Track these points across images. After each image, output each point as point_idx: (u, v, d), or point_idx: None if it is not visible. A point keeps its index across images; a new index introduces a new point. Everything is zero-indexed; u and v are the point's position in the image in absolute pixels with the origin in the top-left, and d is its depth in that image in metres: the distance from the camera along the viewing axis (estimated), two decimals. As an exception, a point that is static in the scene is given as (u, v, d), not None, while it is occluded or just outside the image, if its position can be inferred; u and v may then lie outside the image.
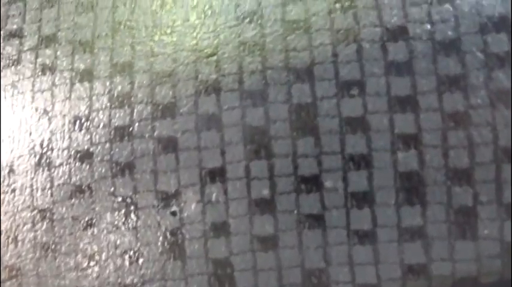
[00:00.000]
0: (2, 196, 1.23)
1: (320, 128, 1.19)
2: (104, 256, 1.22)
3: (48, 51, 1.31)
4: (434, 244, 1.16)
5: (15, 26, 1.35)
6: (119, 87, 1.26)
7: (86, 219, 1.24)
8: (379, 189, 1.17)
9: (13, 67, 1.31)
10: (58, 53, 1.33)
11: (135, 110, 1.24)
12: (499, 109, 1.15)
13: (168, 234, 1.20)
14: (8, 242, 1.24)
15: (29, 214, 1.24)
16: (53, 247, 1.22)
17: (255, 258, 1.18)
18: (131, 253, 1.21)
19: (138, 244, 1.21)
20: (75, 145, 1.26)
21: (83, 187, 1.24)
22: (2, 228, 1.23)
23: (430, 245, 1.16)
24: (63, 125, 1.27)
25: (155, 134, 1.23)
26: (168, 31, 1.29)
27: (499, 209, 1.16)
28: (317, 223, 1.18)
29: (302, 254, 1.18)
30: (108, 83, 1.26)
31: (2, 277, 1.23)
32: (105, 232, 1.22)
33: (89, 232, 1.23)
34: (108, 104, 1.26)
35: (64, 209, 1.25)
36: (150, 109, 1.23)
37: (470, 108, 1.16)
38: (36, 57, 1.31)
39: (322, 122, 1.19)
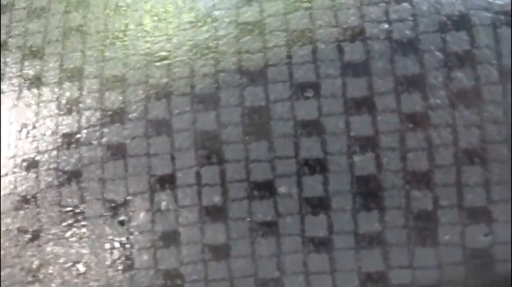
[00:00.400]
0: None
1: (273, 132, 1.15)
2: (50, 269, 1.17)
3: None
4: (393, 251, 1.12)
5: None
6: (68, 94, 1.22)
7: (31, 230, 1.20)
8: (335, 194, 1.13)
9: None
10: (7, 59, 1.29)
11: (83, 117, 1.20)
12: (459, 110, 1.11)
13: (116, 244, 1.16)
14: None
15: (-26, 226, 1.20)
16: (-2, 259, 1.19)
17: (206, 268, 1.14)
18: (78, 265, 1.17)
19: (86, 256, 1.17)
20: (21, 153, 1.22)
21: (28, 197, 1.20)
22: None
23: (388, 252, 1.12)
24: (10, 133, 1.23)
25: (103, 140, 1.19)
26: (121, 35, 1.26)
27: (460, 213, 1.11)
28: (271, 230, 1.14)
29: (255, 263, 1.13)
30: (56, 90, 1.23)
31: None
32: (51, 243, 1.18)
33: (35, 244, 1.19)
34: (56, 111, 1.23)
35: (9, 220, 1.21)
36: (98, 115, 1.20)
37: (429, 109, 1.12)
38: (-15, 64, 1.28)
39: (275, 125, 1.15)
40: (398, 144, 1.16)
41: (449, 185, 1.15)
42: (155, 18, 1.29)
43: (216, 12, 1.25)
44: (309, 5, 1.22)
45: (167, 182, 1.20)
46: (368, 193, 1.16)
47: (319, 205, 1.16)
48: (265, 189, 1.18)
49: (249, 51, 1.22)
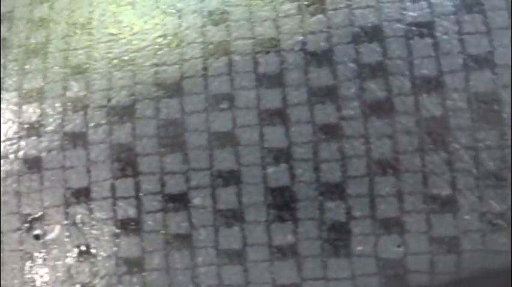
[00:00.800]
0: None
1: (188, 144, 1.15)
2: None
3: None
4: (306, 263, 1.12)
5: None
6: (-14, 107, 1.23)
7: None
8: (248, 206, 1.14)
9: None
10: None
11: (1, 130, 1.20)
12: (371, 120, 1.12)
13: (31, 259, 1.16)
14: None
15: None
16: None
17: (120, 281, 1.14)
18: (-8, 278, 1.17)
19: (3, 272, 1.17)
20: None
21: None
22: None
23: (302, 264, 1.12)
24: None
25: (20, 154, 1.19)
26: (42, 48, 1.27)
27: (373, 224, 1.12)
28: (185, 243, 1.14)
29: (170, 276, 1.13)
30: (-25, 103, 1.24)
31: None
32: (-36, 257, 1.18)
33: None
34: (-26, 124, 1.23)
35: None
36: (16, 128, 1.20)
37: (342, 120, 1.13)
38: None
39: (190, 137, 1.15)
40: (311, 155, 1.17)
41: (362, 195, 1.15)
42: (78, 31, 1.30)
43: (136, 26, 1.26)
44: (226, 17, 1.24)
45: (82, 195, 1.20)
46: (282, 204, 1.17)
47: (233, 216, 1.17)
48: (180, 201, 1.18)
49: (166, 64, 1.23)
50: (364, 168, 1.15)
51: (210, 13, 1.23)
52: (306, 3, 1.21)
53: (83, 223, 1.17)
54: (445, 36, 1.15)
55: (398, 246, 1.13)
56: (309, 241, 1.14)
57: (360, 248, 1.13)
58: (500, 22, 1.15)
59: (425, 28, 1.16)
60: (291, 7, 1.21)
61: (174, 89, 1.20)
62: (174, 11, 1.24)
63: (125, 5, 1.26)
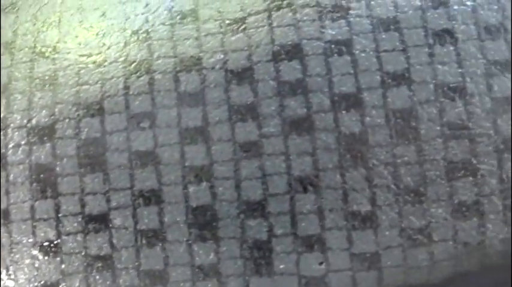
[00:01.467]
0: None
1: (109, 164, 1.15)
2: None
3: None
4: (229, 282, 1.12)
5: None
6: None
7: None
8: (170, 225, 1.14)
9: None
10: None
11: None
12: (292, 138, 1.13)
13: None
14: None
15: None
16: None
17: (38, 305, 1.13)
18: None
19: None
20: None
21: None
22: None
23: (224, 283, 1.12)
24: None
25: None
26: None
27: (295, 241, 1.12)
28: (106, 264, 1.13)
29: (89, 299, 1.12)
30: None
31: None
32: None
33: None
34: None
35: None
36: None
37: (263, 137, 1.14)
38: None
39: (111, 157, 1.15)
40: (232, 173, 1.18)
41: (284, 213, 1.16)
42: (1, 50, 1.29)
43: (57, 45, 1.26)
44: (148, 36, 1.24)
45: (2, 217, 1.19)
46: (203, 223, 1.17)
47: (155, 236, 1.17)
48: (100, 222, 1.17)
49: (88, 83, 1.23)
50: (285, 185, 1.16)
51: (134, 32, 1.24)
52: (227, 21, 1.22)
53: (2, 246, 1.16)
54: (363, 54, 1.18)
55: (320, 263, 1.14)
56: (231, 260, 1.14)
57: (282, 266, 1.13)
58: (416, 40, 1.17)
59: (344, 46, 1.19)
60: (213, 26, 1.22)
61: (95, 109, 1.20)
62: (97, 29, 1.25)
63: (49, 24, 1.26)
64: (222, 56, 1.20)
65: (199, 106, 1.18)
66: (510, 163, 1.10)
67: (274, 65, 1.19)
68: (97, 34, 1.24)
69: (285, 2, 1.23)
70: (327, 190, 1.14)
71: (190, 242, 1.14)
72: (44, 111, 1.20)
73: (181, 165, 1.16)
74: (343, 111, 1.15)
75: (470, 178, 1.12)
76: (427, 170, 1.14)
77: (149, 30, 1.24)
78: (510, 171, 1.11)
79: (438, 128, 1.14)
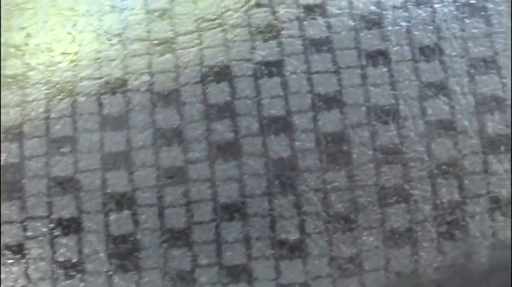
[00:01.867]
0: None
1: (26, 191, 1.09)
2: None
3: None
4: (150, 315, 1.06)
5: None
6: None
7: None
8: (89, 256, 1.08)
9: None
10: None
11: None
12: (218, 163, 1.09)
13: None
14: None
15: None
16: None
17: None
18: None
19: None
20: None
21: None
22: None
23: (145, 317, 1.06)
24: None
25: None
26: None
27: (220, 272, 1.07)
28: (20, 297, 1.07)
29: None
30: None
31: None
32: None
33: None
34: None
35: None
36: None
37: (188, 162, 1.09)
38: None
39: (29, 184, 1.10)
40: (156, 200, 1.12)
41: (208, 242, 1.11)
42: None
43: (-18, 65, 1.22)
44: (74, 57, 1.20)
45: None
46: (125, 253, 1.11)
47: (73, 267, 1.11)
48: (17, 252, 1.12)
49: (8, 106, 1.18)
50: (211, 213, 1.11)
51: (60, 53, 1.19)
52: (156, 42, 1.18)
53: None
54: (293, 76, 1.14)
55: (247, 294, 1.09)
56: (153, 291, 1.09)
57: (205, 298, 1.08)
58: (349, 61, 1.14)
59: (274, 67, 1.15)
60: (140, 46, 1.18)
61: (14, 133, 1.15)
62: (20, 52, 1.20)
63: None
64: (148, 77, 1.15)
65: (123, 130, 1.13)
66: (444, 189, 1.06)
67: (202, 87, 1.14)
68: (18, 56, 1.20)
69: (215, 22, 1.19)
70: (254, 218, 1.10)
71: (110, 273, 1.08)
72: (-39, 135, 1.15)
73: (102, 192, 1.10)
74: (272, 136, 1.10)
75: (403, 204, 1.08)
76: (358, 196, 1.09)
77: (76, 51, 1.19)
78: (444, 197, 1.07)
79: (370, 152, 1.10)
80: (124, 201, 1.02)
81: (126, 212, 1.03)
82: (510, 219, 0.98)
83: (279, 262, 1.04)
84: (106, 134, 1.06)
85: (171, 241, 1.02)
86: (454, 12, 1.01)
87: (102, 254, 1.00)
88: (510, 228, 0.97)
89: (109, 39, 1.14)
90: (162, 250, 1.03)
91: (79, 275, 1.01)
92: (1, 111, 1.02)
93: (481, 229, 0.96)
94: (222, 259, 1.03)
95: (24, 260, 0.99)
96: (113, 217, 1.03)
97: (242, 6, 1.04)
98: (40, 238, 1.00)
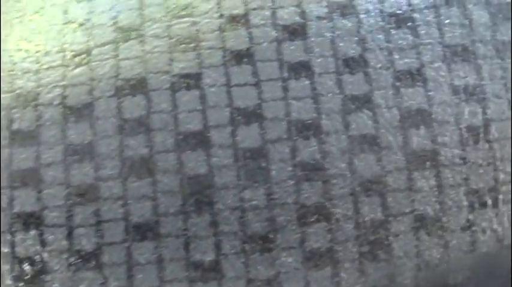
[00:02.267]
0: None
1: None
2: None
3: None
4: None
5: None
6: None
7: None
8: (-7, 279, 1.02)
9: None
10: None
11: None
12: (131, 180, 1.03)
13: None
14: None
15: None
16: None
17: None
18: None
19: None
20: None
21: None
22: None
23: None
24: None
25: None
26: None
27: (132, 295, 1.02)
28: None
29: None
30: None
31: None
32: None
33: None
34: None
35: None
36: None
37: (99, 180, 1.04)
38: None
39: None
40: (64, 220, 1.07)
41: (119, 264, 1.06)
42: None
43: None
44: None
45: None
46: (32, 276, 1.06)
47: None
48: None
49: None
50: (122, 233, 1.06)
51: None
52: (72, 53, 1.13)
53: None
54: (212, 89, 1.08)
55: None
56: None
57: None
58: (270, 73, 1.09)
59: (192, 80, 1.10)
60: (55, 58, 1.13)
61: None
62: None
63: None
64: (61, 91, 1.10)
65: (33, 146, 1.08)
66: (367, 207, 1.01)
67: (117, 101, 1.09)
68: None
69: (134, 33, 1.14)
70: (168, 238, 1.04)
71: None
72: None
73: (9, 211, 1.05)
74: (188, 151, 1.05)
75: (324, 223, 1.03)
76: (277, 215, 1.04)
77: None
78: (367, 215, 1.02)
79: (290, 169, 1.05)
80: (31, 221, 0.96)
81: (33, 233, 0.97)
82: (435, 238, 0.92)
83: (193, 285, 0.98)
84: (14, 150, 1.01)
85: (80, 263, 0.96)
86: (380, 23, 0.95)
87: (7, 278, 0.95)
88: (435, 248, 0.91)
89: (25, 51, 1.08)
90: (70, 273, 0.97)
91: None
92: None
93: (405, 249, 0.90)
94: (133, 282, 0.97)
95: None
96: (19, 237, 0.97)
97: (163, 17, 0.99)
98: None
